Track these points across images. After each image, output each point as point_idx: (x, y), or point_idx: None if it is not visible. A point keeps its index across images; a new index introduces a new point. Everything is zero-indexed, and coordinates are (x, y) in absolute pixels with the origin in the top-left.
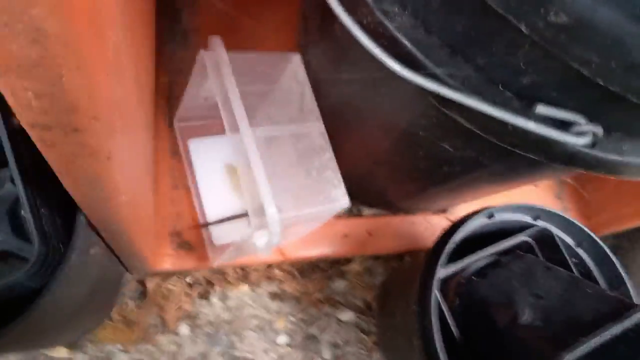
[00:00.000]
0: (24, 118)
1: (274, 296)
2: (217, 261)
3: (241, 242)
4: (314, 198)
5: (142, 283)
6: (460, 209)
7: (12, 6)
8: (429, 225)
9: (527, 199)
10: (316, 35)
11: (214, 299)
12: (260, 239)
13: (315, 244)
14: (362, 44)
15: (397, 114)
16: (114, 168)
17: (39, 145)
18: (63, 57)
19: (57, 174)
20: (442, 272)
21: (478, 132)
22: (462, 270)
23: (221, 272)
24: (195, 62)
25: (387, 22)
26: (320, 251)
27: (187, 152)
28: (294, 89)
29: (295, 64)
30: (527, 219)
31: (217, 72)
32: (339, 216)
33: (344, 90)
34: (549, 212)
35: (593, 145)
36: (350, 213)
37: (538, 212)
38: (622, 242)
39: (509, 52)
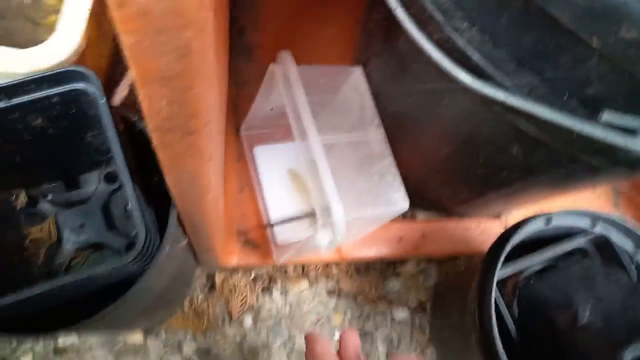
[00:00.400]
0: (152, 122)
1: (332, 293)
2: (280, 259)
3: (305, 241)
4: (375, 200)
5: (210, 277)
6: (514, 215)
7: (169, 28)
8: (482, 229)
9: (580, 200)
10: (379, 49)
11: (276, 294)
12: (324, 238)
13: (371, 245)
14: (432, 58)
15: (459, 123)
16: (212, 167)
17: (157, 145)
18: (198, 70)
19: (164, 171)
20: (501, 272)
21: (544, 139)
22: (519, 272)
23: (282, 269)
24: (264, 75)
25: (456, 38)
26: (376, 252)
27: (253, 158)
28: (354, 99)
29: (356, 76)
30: (585, 224)
31: (286, 83)
32: (394, 219)
33: (405, 101)
34: (607, 218)
35: None
36: (404, 216)
37: (596, 218)
38: None
39: (576, 65)
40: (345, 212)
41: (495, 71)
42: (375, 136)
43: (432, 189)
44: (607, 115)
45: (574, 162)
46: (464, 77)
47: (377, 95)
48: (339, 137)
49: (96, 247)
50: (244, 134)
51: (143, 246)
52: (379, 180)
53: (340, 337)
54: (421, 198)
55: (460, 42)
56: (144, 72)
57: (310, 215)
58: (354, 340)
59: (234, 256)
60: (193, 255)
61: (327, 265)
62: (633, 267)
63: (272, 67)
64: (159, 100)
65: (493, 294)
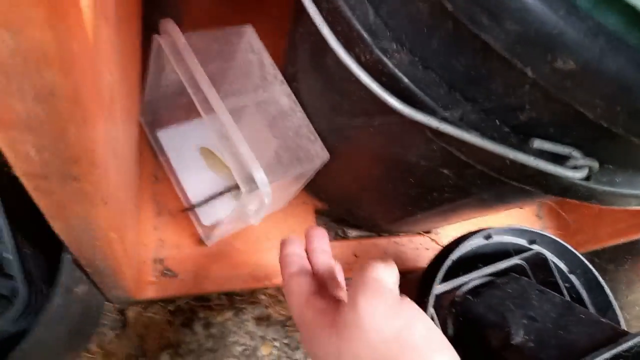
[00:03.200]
0: (19, 169)
1: (259, 321)
2: (210, 240)
3: (233, 214)
4: (294, 157)
5: (122, 312)
6: (446, 229)
7: (25, 69)
8: (415, 246)
9: (508, 218)
10: (306, 64)
11: (197, 327)
12: (251, 205)
13: None
14: (360, 81)
15: (390, 145)
16: (109, 210)
17: (32, 193)
18: (69, 113)
19: (48, 218)
20: (438, 288)
21: (475, 165)
22: (457, 288)
23: (205, 299)
24: (152, 50)
25: (385, 59)
26: None
27: (159, 144)
28: (252, 60)
29: (249, 36)
30: (523, 242)
31: (176, 55)
32: None
33: (335, 119)
34: (544, 236)
35: (588, 178)
36: (336, 235)
37: (534, 236)
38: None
39: (509, 91)
40: (268, 176)
41: (425, 95)
42: (281, 92)
43: (364, 208)
44: (538, 142)
45: (501, 185)
46: (393, 102)
47: (306, 110)
48: (245, 99)
49: None
50: (143, 121)
51: (23, 301)
52: (294, 135)
53: (305, 235)
54: (353, 216)
55: (390, 64)
56: None
57: (233, 188)
58: (320, 237)
59: (149, 288)
60: (99, 291)
61: (253, 292)
62: (566, 286)
63: (157, 39)
64: (24, 146)
65: (429, 310)
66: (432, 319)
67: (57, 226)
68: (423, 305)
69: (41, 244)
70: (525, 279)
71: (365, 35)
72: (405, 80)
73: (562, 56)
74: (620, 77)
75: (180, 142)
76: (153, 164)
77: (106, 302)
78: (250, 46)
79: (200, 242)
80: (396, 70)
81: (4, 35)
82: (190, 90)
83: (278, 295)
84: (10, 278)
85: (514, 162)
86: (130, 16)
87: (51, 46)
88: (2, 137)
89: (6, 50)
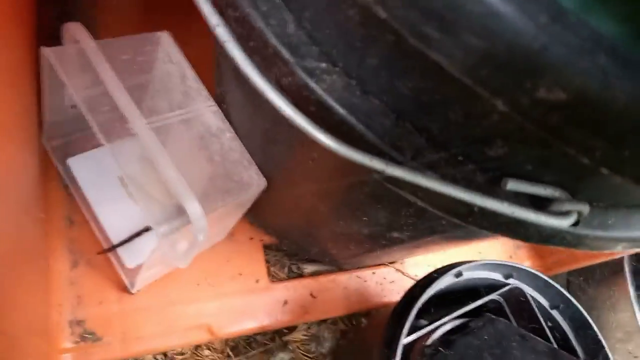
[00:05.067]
0: None
1: None
2: (135, 286)
3: (159, 255)
4: (226, 185)
5: None
6: (412, 259)
7: None
8: (378, 279)
9: (479, 241)
10: (232, 84)
11: None
12: (180, 243)
13: (251, 315)
14: (281, 112)
15: (334, 181)
16: None
17: None
18: None
19: None
20: (405, 340)
21: (437, 213)
22: (427, 335)
23: None
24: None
25: (312, 83)
26: (257, 323)
27: (69, 173)
28: (171, 72)
29: (165, 44)
30: (498, 277)
31: (83, 64)
32: (277, 278)
33: (270, 149)
34: (521, 269)
35: (576, 224)
36: (290, 272)
37: (509, 270)
38: (575, 278)
39: (472, 123)
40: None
41: (367, 129)
42: (207, 109)
43: (318, 243)
44: (512, 184)
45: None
46: (326, 139)
47: (239, 134)
48: (167, 117)
49: None
50: (49, 146)
51: None
52: (222, 160)
53: None
54: (307, 251)
55: (318, 89)
56: None
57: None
58: None
59: (66, 357)
60: None
61: (196, 348)
62: (549, 324)
63: (45, 51)
64: None
65: None
66: None
67: None
68: None
69: None
70: (503, 320)
71: (284, 51)
72: (339, 109)
73: (546, 82)
74: (632, 110)
75: (96, 171)
76: (66, 205)
77: None
78: (168, 56)
79: (126, 293)
80: (326, 97)
81: None
82: (90, 113)
83: (226, 349)
84: None
85: (483, 209)
86: (7, 31)
87: None
88: None
89: None
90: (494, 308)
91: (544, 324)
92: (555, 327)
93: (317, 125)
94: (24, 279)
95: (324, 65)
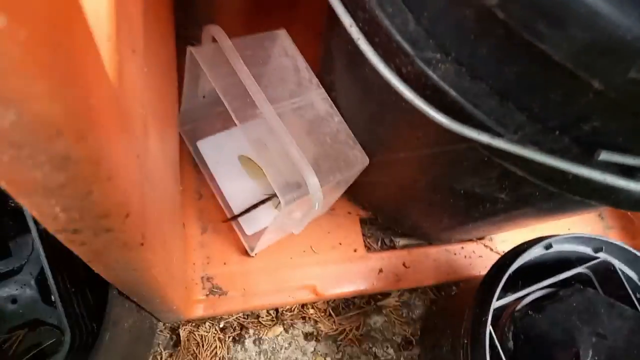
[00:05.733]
0: (49, 227)
1: (310, 336)
2: (255, 250)
3: (277, 222)
4: (335, 164)
5: (174, 331)
6: (500, 235)
7: (34, 139)
8: (467, 254)
9: (568, 222)
10: (343, 73)
11: (248, 343)
12: (297, 212)
13: (349, 280)
14: (402, 95)
15: (436, 156)
16: (147, 250)
17: (66, 244)
18: (92, 176)
19: (87, 263)
20: (496, 303)
21: (534, 180)
22: (517, 301)
23: (254, 315)
24: (187, 61)
25: (429, 71)
26: (354, 287)
27: (199, 154)
28: (286, 64)
29: (282, 40)
30: (588, 250)
31: (219, 61)
32: (372, 249)
33: (377, 130)
34: (611, 243)
35: None
36: (383, 245)
37: (599, 244)
38: None
39: (570, 101)
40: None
41: (475, 109)
42: (318, 97)
43: (410, 217)
44: (605, 155)
45: (562, 196)
46: (440, 117)
47: (344, 117)
48: (282, 105)
49: (33, 324)
50: (183, 131)
51: (71, 347)
52: (332, 141)
53: None
54: (399, 225)
55: (434, 76)
56: (17, 185)
57: (274, 195)
58: None
59: (199, 306)
60: (150, 315)
61: (302, 307)
62: (639, 298)
63: (191, 50)
64: (49, 208)
65: (488, 329)
66: (491, 336)
67: (96, 269)
68: (481, 321)
69: (89, 280)
70: (592, 290)
71: (406, 45)
72: (452, 92)
73: (637, 65)
74: None
75: (220, 151)
76: (196, 181)
77: (159, 322)
78: (284, 50)
79: (246, 255)
80: (441, 83)
81: (1, 109)
82: (226, 99)
83: (328, 308)
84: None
85: (577, 177)
86: (163, 31)
87: (59, 118)
88: (26, 202)
89: (7, 123)
90: (583, 280)
91: (632, 295)
92: None
93: (433, 106)
94: (175, 235)
95: (438, 55)
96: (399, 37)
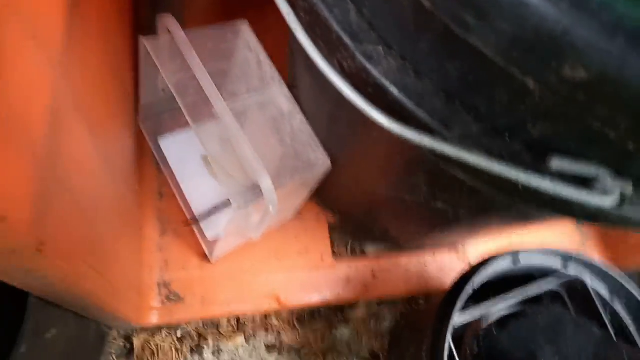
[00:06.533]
0: None
1: (272, 348)
2: (214, 256)
3: (234, 227)
4: (294, 164)
5: (128, 339)
6: (474, 246)
7: None
8: (439, 263)
9: (544, 231)
10: (302, 69)
11: (207, 354)
12: (254, 215)
13: (315, 289)
14: (341, 93)
15: (390, 160)
16: (52, 255)
17: None
18: None
19: None
20: (458, 319)
21: (484, 189)
22: (481, 317)
23: (214, 324)
24: (139, 53)
25: (370, 66)
26: (320, 297)
27: (160, 151)
28: (249, 59)
29: (244, 33)
30: (557, 264)
31: (174, 53)
32: (340, 257)
33: (334, 129)
34: (580, 259)
35: (621, 203)
36: (353, 252)
37: (569, 258)
38: None
39: (515, 101)
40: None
41: (418, 109)
42: (280, 94)
43: (378, 223)
44: (557, 163)
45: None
46: (380, 117)
47: (307, 117)
48: (245, 101)
49: None
50: (143, 126)
51: None
52: (292, 141)
53: None
54: (369, 230)
55: (375, 72)
56: None
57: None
58: None
59: (153, 314)
60: (95, 321)
61: (265, 316)
62: (608, 314)
63: (142, 40)
64: None
65: (447, 343)
66: (451, 354)
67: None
68: (440, 338)
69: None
70: (559, 307)
71: (346, 37)
72: (394, 90)
73: (570, 62)
74: None
75: (183, 149)
76: (157, 179)
77: (111, 330)
78: (247, 43)
79: (207, 261)
80: (383, 80)
81: None
82: (179, 96)
83: (292, 319)
84: None
85: (527, 186)
86: (112, 19)
87: None
88: None
89: None
90: (552, 295)
91: (602, 312)
92: (614, 317)
93: (374, 104)
94: (124, 240)
95: (381, 49)
96: (338, 29)
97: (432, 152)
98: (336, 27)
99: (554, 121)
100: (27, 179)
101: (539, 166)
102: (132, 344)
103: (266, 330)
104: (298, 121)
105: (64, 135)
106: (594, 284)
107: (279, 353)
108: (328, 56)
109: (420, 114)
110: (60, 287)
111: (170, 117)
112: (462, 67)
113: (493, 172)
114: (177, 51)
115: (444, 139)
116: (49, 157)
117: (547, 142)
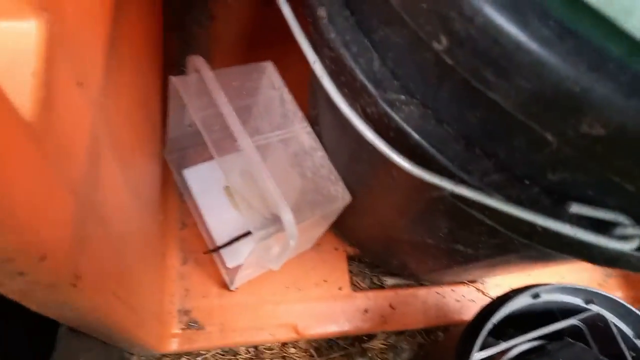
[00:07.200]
0: None
1: None
2: (234, 283)
3: (255, 257)
4: (315, 198)
5: None
6: (493, 279)
7: None
8: (458, 297)
9: (565, 267)
10: (324, 109)
11: None
12: (274, 247)
13: (333, 320)
14: (364, 137)
15: (410, 198)
16: (86, 290)
17: None
18: None
19: (19, 302)
20: (479, 355)
21: (504, 231)
22: (501, 353)
23: (232, 352)
24: (169, 90)
25: (392, 112)
26: (338, 327)
27: (184, 182)
28: (273, 96)
29: (270, 72)
30: (578, 301)
31: (201, 90)
32: (359, 288)
33: (355, 167)
34: (604, 295)
35: None
36: (371, 284)
37: (591, 295)
38: None
39: (534, 149)
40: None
41: (438, 153)
42: (302, 130)
43: (396, 257)
44: (575, 207)
45: None
46: (401, 161)
47: (329, 155)
48: (268, 137)
49: None
50: (168, 159)
51: None
52: (313, 175)
53: None
54: (387, 263)
55: (397, 117)
56: None
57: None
58: None
59: (174, 341)
60: (119, 348)
61: (283, 345)
62: (631, 352)
63: (172, 80)
64: None
65: None
66: None
67: (32, 308)
68: None
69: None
70: (581, 345)
71: (370, 85)
72: (415, 136)
73: (588, 119)
74: None
75: (206, 181)
76: (180, 210)
77: (132, 356)
78: (271, 82)
79: (227, 289)
80: (404, 125)
81: None
82: (204, 131)
83: (310, 349)
84: None
85: (546, 230)
86: (144, 61)
87: None
88: None
89: None
90: (573, 333)
91: (626, 352)
92: (638, 355)
93: (395, 148)
94: (147, 269)
95: (403, 97)
96: (362, 77)
97: (452, 194)
98: (360, 75)
99: (572, 171)
100: (67, 221)
101: (558, 210)
102: None
103: (284, 359)
104: (319, 156)
105: (100, 172)
106: (617, 322)
107: None
108: (351, 101)
109: (441, 158)
110: (90, 317)
111: (194, 151)
112: (482, 117)
113: (512, 214)
114: (204, 89)
115: (464, 182)
116: (88, 196)
117: (566, 188)
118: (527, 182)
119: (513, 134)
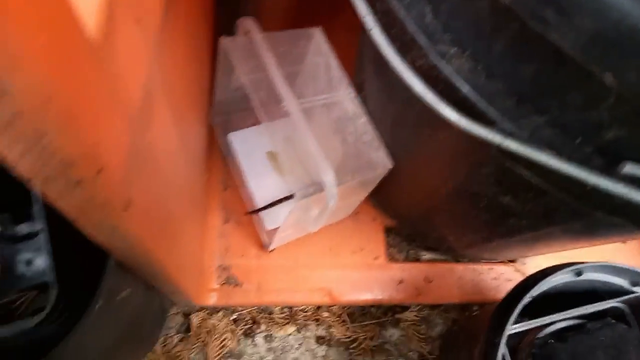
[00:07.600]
0: (17, 172)
1: (321, 340)
2: (272, 244)
3: (294, 218)
4: (357, 164)
5: (187, 316)
6: (534, 260)
7: None
8: (495, 275)
9: (609, 251)
10: (371, 72)
11: (259, 339)
12: (313, 209)
13: (367, 288)
14: (412, 90)
15: (455, 161)
16: (135, 217)
17: (48, 198)
18: (41, 114)
19: (75, 223)
20: (513, 328)
21: (551, 191)
22: (538, 329)
23: (268, 311)
24: (218, 53)
25: (442, 65)
26: (372, 296)
27: (228, 146)
28: (319, 63)
29: (317, 39)
30: (623, 282)
31: (250, 53)
32: (394, 259)
33: (400, 132)
34: None
35: None
36: (407, 256)
37: (637, 277)
38: None
39: (589, 104)
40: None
41: (488, 107)
42: (346, 96)
43: (435, 229)
44: (629, 168)
45: (590, 214)
46: (450, 113)
47: (373, 122)
48: (312, 102)
49: (43, 287)
50: (215, 122)
51: (55, 307)
52: (355, 141)
53: None
54: (424, 237)
55: (447, 70)
56: None
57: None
58: None
59: (212, 295)
60: (162, 296)
61: (317, 308)
62: None
63: (222, 41)
64: (7, 150)
65: (501, 352)
66: None
67: (85, 231)
68: (494, 346)
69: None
70: (624, 326)
71: (421, 37)
72: (465, 88)
73: None
74: None
75: (250, 145)
76: (223, 172)
77: (173, 305)
78: (319, 49)
79: (264, 251)
80: (454, 77)
81: None
82: (253, 93)
83: (343, 314)
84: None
85: (597, 189)
86: (197, 18)
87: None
88: None
89: None
90: (615, 316)
91: None
92: None
93: (444, 101)
94: (190, 222)
95: (454, 50)
96: (413, 29)
97: (500, 150)
98: (412, 27)
99: (630, 125)
100: (123, 145)
101: (610, 170)
102: (190, 321)
103: (317, 322)
104: (362, 123)
105: (153, 114)
106: None
107: (329, 346)
108: (401, 55)
109: (491, 112)
110: (137, 250)
111: (238, 116)
112: (536, 70)
113: (562, 172)
114: (252, 52)
115: (512, 135)
116: (142, 131)
117: (621, 148)
118: (579, 140)
119: (570, 85)
